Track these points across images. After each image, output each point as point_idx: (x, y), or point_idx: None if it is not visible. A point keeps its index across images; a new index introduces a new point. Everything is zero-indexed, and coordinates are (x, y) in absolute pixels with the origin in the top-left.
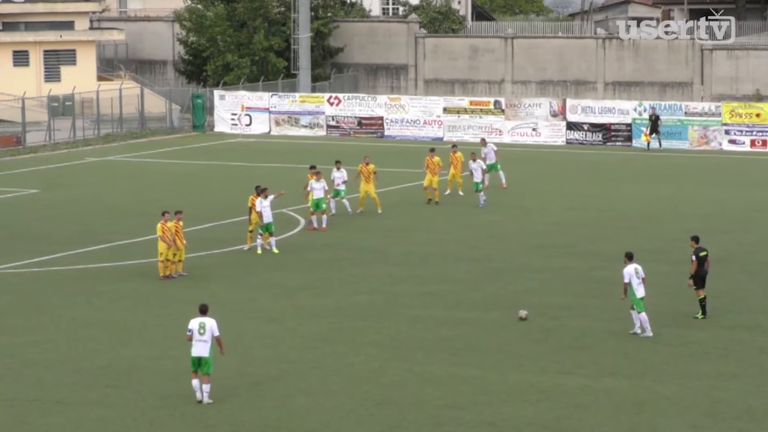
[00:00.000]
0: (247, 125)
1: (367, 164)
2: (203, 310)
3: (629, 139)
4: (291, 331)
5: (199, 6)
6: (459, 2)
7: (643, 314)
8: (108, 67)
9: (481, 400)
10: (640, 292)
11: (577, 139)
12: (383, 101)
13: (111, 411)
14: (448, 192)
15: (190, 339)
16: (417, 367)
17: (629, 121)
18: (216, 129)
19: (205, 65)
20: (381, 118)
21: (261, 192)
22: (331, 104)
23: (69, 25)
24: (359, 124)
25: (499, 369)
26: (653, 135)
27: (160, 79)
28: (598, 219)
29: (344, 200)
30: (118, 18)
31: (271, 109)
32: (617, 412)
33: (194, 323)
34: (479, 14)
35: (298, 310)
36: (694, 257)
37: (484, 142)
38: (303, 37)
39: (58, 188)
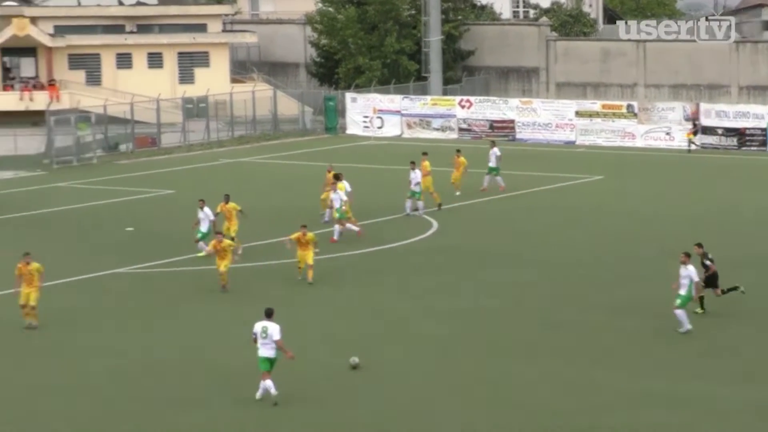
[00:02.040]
0: (378, 128)
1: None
2: (269, 314)
3: (764, 144)
4: (420, 334)
5: (330, 9)
6: (590, 5)
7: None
8: (240, 69)
9: (618, 405)
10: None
11: (711, 144)
12: (515, 104)
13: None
14: (458, 194)
15: (256, 341)
16: (550, 371)
17: (764, 125)
18: (348, 131)
19: (336, 68)
20: (512, 121)
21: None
22: (463, 107)
23: (202, 28)
24: (491, 127)
25: (636, 374)
26: None
27: (292, 81)
28: (726, 224)
29: (419, 201)
30: (250, 21)
31: (402, 112)
32: (762, 419)
33: (258, 327)
34: (610, 17)
35: (428, 313)
36: (708, 262)
37: (492, 144)
38: (434, 40)
39: (193, 189)
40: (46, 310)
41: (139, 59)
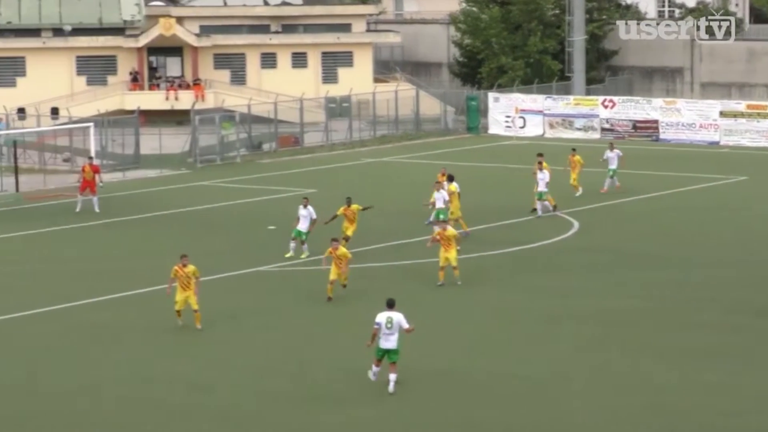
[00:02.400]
0: (520, 127)
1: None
2: (390, 305)
3: None
4: (561, 334)
5: (474, 9)
6: (736, 5)
7: None
8: (383, 69)
9: (765, 408)
10: None
11: None
12: (658, 104)
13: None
14: (578, 194)
15: (376, 333)
16: (692, 373)
17: None
18: (490, 131)
19: (479, 67)
20: (656, 122)
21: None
22: (606, 107)
23: (346, 28)
24: (634, 127)
25: None
26: None
27: (434, 81)
28: None
29: (545, 202)
30: (394, 20)
31: (544, 112)
32: None
33: (382, 317)
34: (757, 17)
35: (568, 313)
36: None
37: (611, 146)
38: (577, 39)
39: (335, 188)
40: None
41: (284, 59)
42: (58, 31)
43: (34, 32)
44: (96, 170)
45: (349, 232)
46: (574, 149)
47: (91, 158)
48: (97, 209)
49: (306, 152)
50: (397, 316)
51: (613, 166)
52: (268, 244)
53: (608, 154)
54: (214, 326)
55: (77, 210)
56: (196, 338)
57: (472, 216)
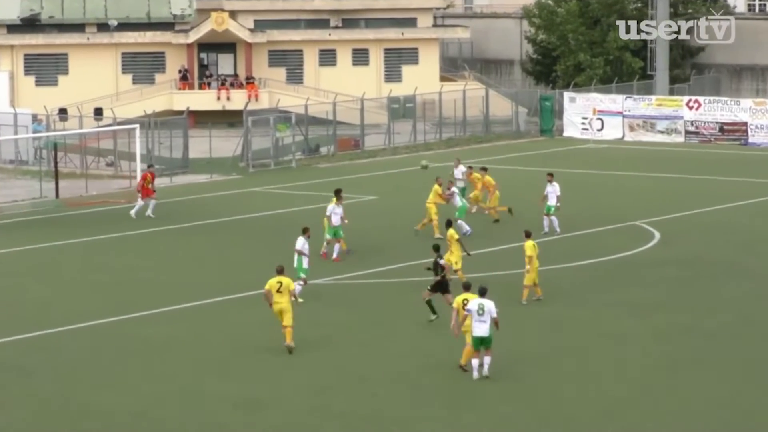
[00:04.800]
0: (598, 130)
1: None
2: (483, 292)
3: None
4: (643, 353)
5: (549, 2)
6: None
7: None
8: (451, 66)
9: None
10: None
11: None
12: (747, 105)
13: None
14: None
15: (464, 320)
16: None
17: None
18: (565, 134)
19: (554, 65)
20: (745, 124)
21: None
22: (691, 108)
23: (411, 22)
24: (720, 130)
25: None
26: None
27: (506, 79)
28: None
29: (553, 217)
30: (463, 14)
31: (624, 113)
32: None
33: (474, 304)
34: None
35: (652, 330)
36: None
37: (551, 178)
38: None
39: (396, 195)
40: (259, 321)
41: (344, 56)
42: (103, 26)
43: (77, 27)
44: (153, 176)
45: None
46: (484, 168)
47: (151, 166)
48: (151, 213)
49: (366, 156)
50: (489, 304)
51: (552, 202)
52: (315, 255)
53: (548, 189)
54: (268, 343)
55: (150, 214)
56: (249, 354)
57: (542, 227)
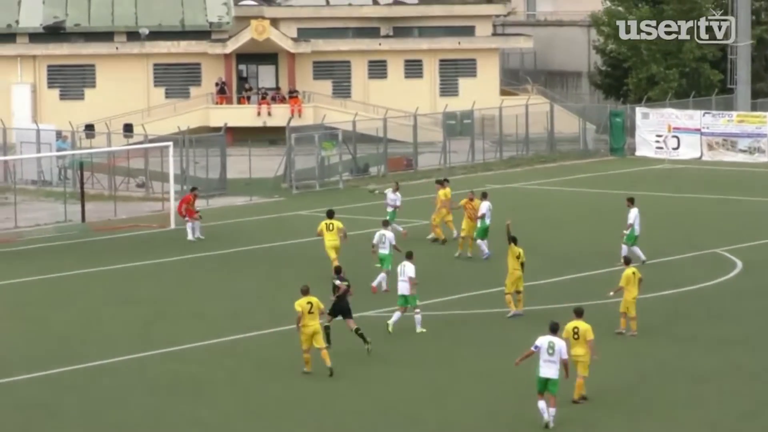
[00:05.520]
0: (674, 148)
1: (471, 200)
2: (554, 329)
3: None
4: (727, 394)
5: (620, 8)
6: None
7: None
8: (512, 79)
9: None
10: None
11: None
12: None
13: None
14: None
15: (530, 354)
16: None
17: None
18: (637, 153)
19: (625, 78)
20: None
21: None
22: None
23: (469, 31)
24: None
25: None
26: None
27: (572, 93)
28: None
29: (633, 246)
30: (525, 22)
31: (702, 130)
32: None
33: (543, 341)
34: None
35: (736, 369)
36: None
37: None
38: (742, 45)
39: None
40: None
41: (395, 67)
42: (133, 35)
43: (105, 36)
44: (195, 198)
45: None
46: (446, 180)
47: (195, 189)
48: (193, 236)
49: (420, 177)
50: (560, 343)
51: (637, 230)
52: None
53: (630, 215)
54: (314, 378)
55: (199, 236)
56: (294, 392)
57: (613, 253)
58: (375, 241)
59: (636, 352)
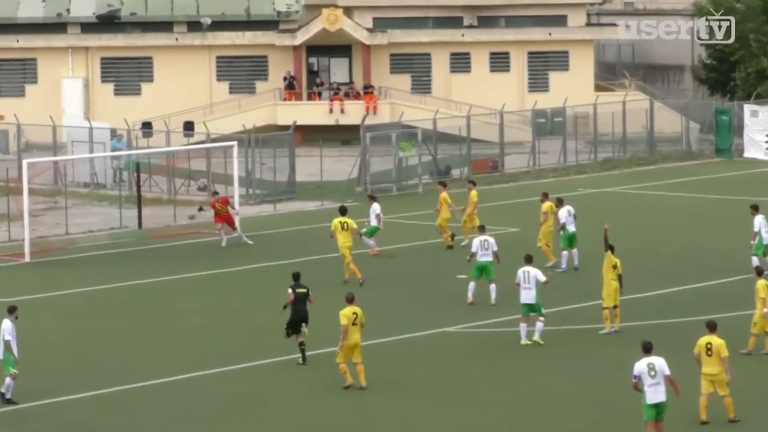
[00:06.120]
0: None
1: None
2: (647, 349)
3: None
4: None
5: None
6: None
7: None
8: (608, 73)
9: None
10: None
11: None
12: None
13: None
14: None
15: (637, 387)
16: None
17: None
18: (745, 154)
19: (732, 72)
20: None
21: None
22: None
23: (561, 21)
24: None
25: None
26: None
27: (674, 89)
28: None
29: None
30: (623, 11)
31: None
32: None
33: (641, 365)
34: None
35: None
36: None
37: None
38: None
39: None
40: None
41: (480, 60)
42: (194, 25)
43: (164, 26)
44: (225, 202)
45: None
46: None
47: (216, 193)
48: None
49: (506, 180)
50: (659, 362)
51: (766, 240)
52: (457, 298)
53: (756, 223)
54: (386, 396)
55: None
56: (366, 412)
57: (716, 266)
58: (474, 248)
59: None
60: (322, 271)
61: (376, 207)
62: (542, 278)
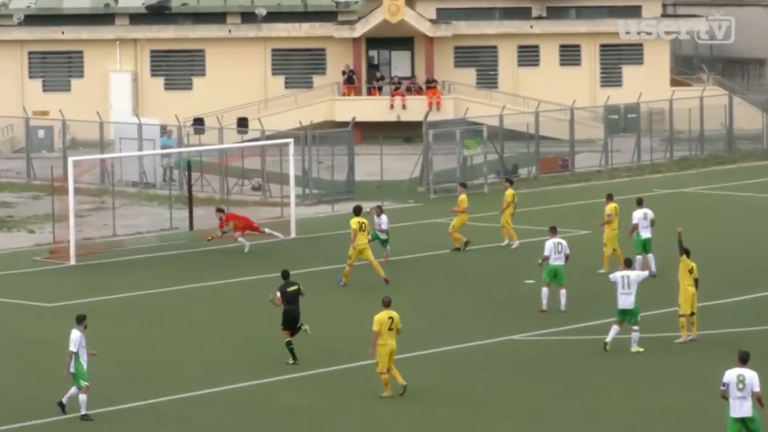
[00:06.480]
0: None
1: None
2: (744, 359)
3: None
4: None
5: None
6: None
7: None
8: (685, 67)
9: None
10: None
11: None
12: None
13: None
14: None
15: (725, 396)
16: None
17: None
18: None
19: None
20: None
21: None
22: None
23: (635, 12)
24: None
25: None
26: None
27: (755, 84)
28: None
29: None
30: (700, 2)
31: None
32: None
33: (731, 375)
34: None
35: None
36: None
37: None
38: None
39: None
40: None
41: (549, 53)
42: (248, 16)
43: (216, 17)
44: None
45: None
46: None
47: (221, 210)
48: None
49: (577, 180)
50: (750, 375)
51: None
52: (524, 304)
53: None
54: (465, 408)
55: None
56: (421, 424)
57: None
58: (547, 251)
59: None
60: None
61: (384, 219)
62: (643, 275)
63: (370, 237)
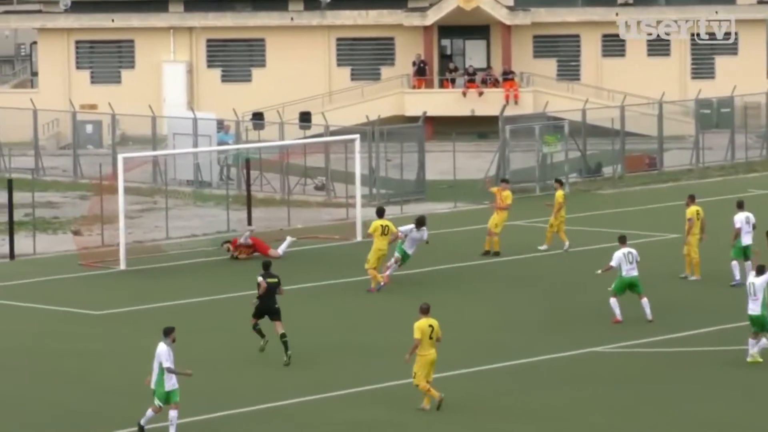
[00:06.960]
0: None
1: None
2: None
3: None
4: None
5: None
6: None
7: None
8: None
9: None
10: None
11: None
12: None
13: None
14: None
15: None
16: None
17: None
18: None
19: None
20: None
21: None
22: None
23: None
24: None
25: None
26: None
27: None
28: None
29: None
30: None
31: None
32: None
33: None
34: None
35: None
36: None
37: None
38: None
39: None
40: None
41: (636, 44)
42: (312, 3)
43: (277, 4)
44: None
45: None
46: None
47: (227, 242)
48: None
49: (666, 179)
50: None
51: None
52: (606, 313)
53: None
54: (548, 425)
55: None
56: None
57: None
58: (615, 262)
59: None
60: (454, 281)
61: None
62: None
63: (397, 254)
